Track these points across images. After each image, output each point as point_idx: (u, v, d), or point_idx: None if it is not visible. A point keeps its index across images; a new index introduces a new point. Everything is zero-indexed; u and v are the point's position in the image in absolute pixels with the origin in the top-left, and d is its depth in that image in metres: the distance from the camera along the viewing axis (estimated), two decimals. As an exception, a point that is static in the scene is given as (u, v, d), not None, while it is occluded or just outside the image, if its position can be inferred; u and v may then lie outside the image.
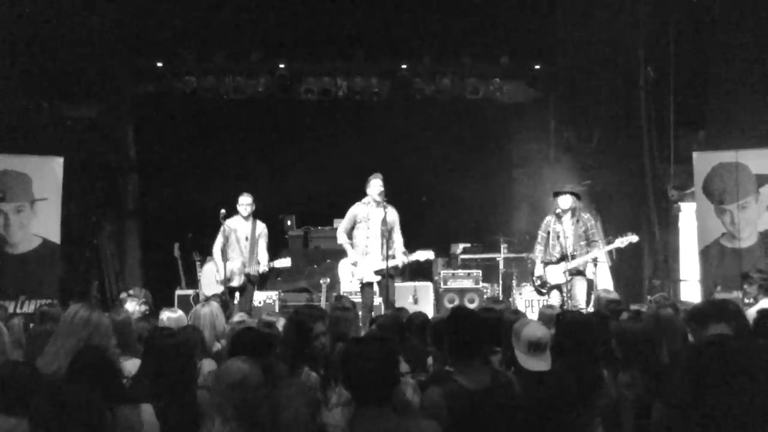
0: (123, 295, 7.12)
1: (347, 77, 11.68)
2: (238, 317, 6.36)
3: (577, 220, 7.89)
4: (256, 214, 8.46)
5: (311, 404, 3.60)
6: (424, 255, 7.94)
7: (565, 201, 7.93)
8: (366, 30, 11.05)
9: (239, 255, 8.18)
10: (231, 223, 8.25)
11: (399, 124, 11.56)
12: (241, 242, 8.19)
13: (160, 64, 11.30)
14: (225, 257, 8.05)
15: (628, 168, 10.54)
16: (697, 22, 9.44)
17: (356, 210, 8.02)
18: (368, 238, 7.89)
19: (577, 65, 11.06)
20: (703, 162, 8.67)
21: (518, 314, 4.88)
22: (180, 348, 3.64)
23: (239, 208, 8.26)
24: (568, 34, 10.54)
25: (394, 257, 7.73)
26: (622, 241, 7.79)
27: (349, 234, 8.02)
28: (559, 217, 7.95)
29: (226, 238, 8.10)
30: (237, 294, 8.19)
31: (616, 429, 3.71)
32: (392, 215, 7.90)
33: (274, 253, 8.86)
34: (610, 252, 9.81)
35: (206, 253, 8.78)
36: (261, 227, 8.40)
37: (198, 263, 8.68)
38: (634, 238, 7.76)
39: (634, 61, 10.15)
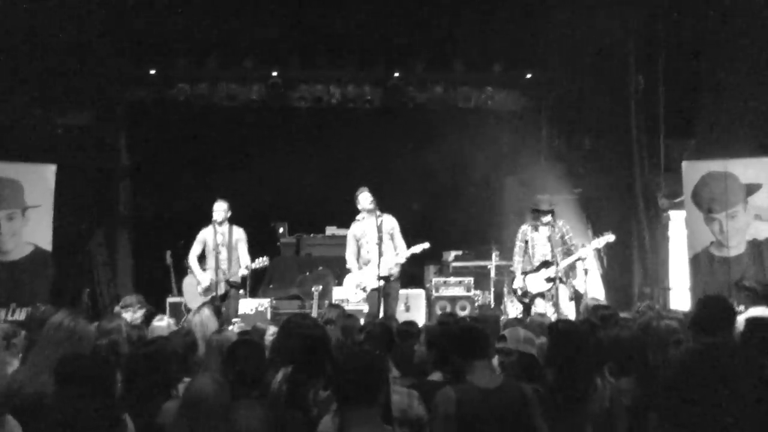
0: (117, 309, 7.02)
1: (340, 85, 11.71)
2: (237, 327, 6.34)
3: (553, 227, 7.97)
4: (245, 221, 8.47)
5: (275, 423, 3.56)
6: (419, 247, 8.10)
7: (546, 217, 8.02)
8: (359, 38, 11.08)
9: (215, 264, 8.15)
10: (205, 234, 8.28)
11: (391, 131, 11.61)
12: (218, 249, 8.14)
13: (152, 72, 11.29)
14: (203, 266, 8.18)
15: (618, 176, 10.58)
16: (687, 31, 9.50)
17: (354, 230, 8.31)
18: (369, 252, 8.14)
19: (568, 74, 11.11)
20: (693, 171, 8.71)
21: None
22: (145, 360, 3.60)
23: (214, 214, 8.19)
24: (560, 43, 10.59)
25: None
26: (599, 242, 7.90)
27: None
28: (535, 226, 8.04)
29: (203, 248, 8.21)
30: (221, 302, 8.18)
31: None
32: (389, 223, 8.17)
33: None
34: (600, 259, 9.90)
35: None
36: (238, 232, 8.34)
37: (190, 272, 8.65)
38: (610, 237, 7.85)
39: (625, 70, 10.19)
